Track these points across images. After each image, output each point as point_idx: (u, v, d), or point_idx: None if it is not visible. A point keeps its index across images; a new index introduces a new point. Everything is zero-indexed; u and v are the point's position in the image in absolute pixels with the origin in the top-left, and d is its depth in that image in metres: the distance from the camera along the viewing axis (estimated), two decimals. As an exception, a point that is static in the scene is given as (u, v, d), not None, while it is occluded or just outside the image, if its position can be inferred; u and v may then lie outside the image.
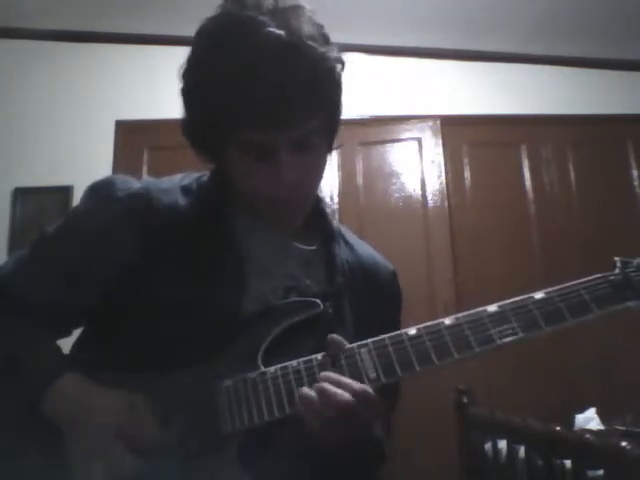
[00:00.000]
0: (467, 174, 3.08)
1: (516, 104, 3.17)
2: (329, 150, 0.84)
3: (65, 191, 2.79)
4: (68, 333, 0.84)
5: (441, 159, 3.04)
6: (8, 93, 2.93)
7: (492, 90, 3.20)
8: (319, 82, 0.73)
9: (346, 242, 0.91)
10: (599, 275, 0.74)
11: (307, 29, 0.72)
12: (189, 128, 0.80)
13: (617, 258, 0.77)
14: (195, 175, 0.87)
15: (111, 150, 2.91)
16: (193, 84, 0.76)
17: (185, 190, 0.83)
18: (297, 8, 0.74)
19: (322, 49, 0.73)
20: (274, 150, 0.73)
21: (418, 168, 3.03)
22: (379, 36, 2.99)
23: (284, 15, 0.72)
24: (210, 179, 0.85)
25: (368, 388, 0.68)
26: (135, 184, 0.82)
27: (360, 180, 2.97)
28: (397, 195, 3.00)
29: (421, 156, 3.05)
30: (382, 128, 3.04)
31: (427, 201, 2.98)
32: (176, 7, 2.77)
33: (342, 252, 0.88)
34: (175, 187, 0.83)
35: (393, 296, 0.94)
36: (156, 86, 2.96)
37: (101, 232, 0.78)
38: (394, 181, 3.01)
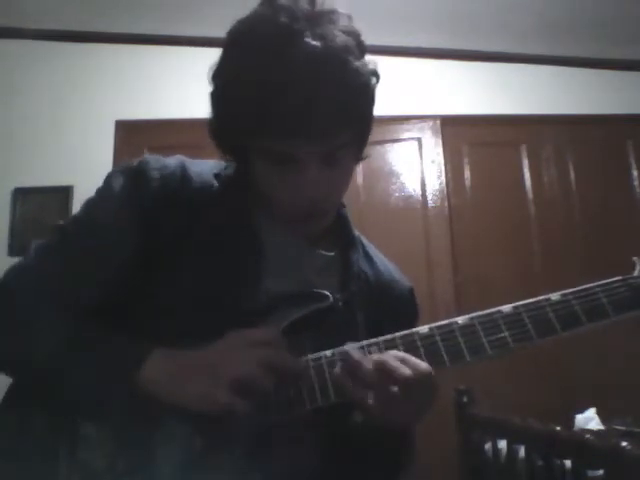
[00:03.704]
0: (467, 174, 3.07)
1: (516, 104, 3.17)
2: (357, 162, 0.82)
3: (65, 191, 2.79)
4: None
5: (441, 159, 3.03)
6: (8, 93, 2.93)
7: (492, 90, 3.20)
8: (352, 98, 0.70)
9: (366, 253, 0.90)
10: (618, 278, 0.72)
11: (343, 40, 0.69)
12: (215, 130, 0.78)
13: (636, 258, 0.73)
14: (221, 165, 0.85)
15: (111, 150, 2.90)
16: (222, 88, 0.74)
17: (216, 178, 0.83)
18: (333, 14, 0.71)
19: (357, 63, 0.70)
20: (299, 162, 0.71)
21: (418, 168, 3.03)
22: (379, 36, 2.97)
23: (320, 22, 0.69)
24: (234, 176, 0.83)
25: (429, 368, 0.67)
26: (169, 164, 0.80)
27: (360, 180, 2.96)
28: (397, 195, 2.99)
29: (421, 156, 3.04)
30: (382, 128, 3.03)
31: (427, 201, 2.98)
32: (177, 7, 2.77)
33: (360, 262, 0.87)
34: (209, 173, 0.82)
35: (409, 313, 0.92)
36: (156, 86, 2.97)
37: (137, 213, 0.76)
38: (394, 181, 3.01)
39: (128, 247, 0.76)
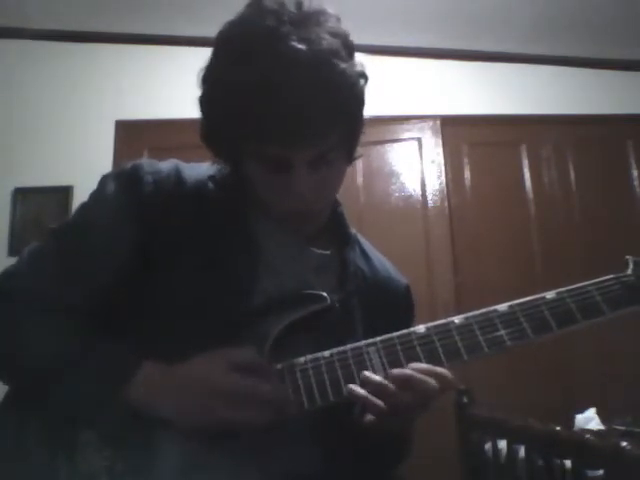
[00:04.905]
0: (467, 174, 3.07)
1: (516, 104, 3.17)
2: (349, 162, 0.82)
3: (65, 191, 2.79)
4: None
5: (441, 159, 3.03)
6: (8, 93, 2.93)
7: (492, 90, 3.20)
8: (339, 101, 0.70)
9: (362, 250, 0.91)
10: (611, 276, 0.73)
11: (329, 42, 0.69)
12: (204, 133, 0.78)
13: (629, 257, 0.74)
14: (217, 167, 0.85)
15: (111, 150, 2.90)
16: (209, 92, 0.74)
17: (212, 180, 0.83)
18: (320, 15, 0.71)
19: (343, 65, 0.70)
20: (290, 165, 0.71)
21: (418, 168, 3.03)
22: (379, 36, 2.98)
23: (307, 25, 0.69)
24: (229, 178, 0.84)
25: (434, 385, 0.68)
26: (163, 168, 0.81)
27: (360, 180, 2.96)
28: (397, 195, 2.99)
29: (421, 156, 3.05)
30: (382, 128, 3.03)
31: (427, 201, 2.98)
32: (176, 7, 2.77)
33: (357, 260, 0.87)
34: (204, 175, 0.83)
35: (405, 311, 0.93)
36: (156, 86, 2.97)
37: (130, 217, 0.77)
38: (394, 181, 3.01)
39: (122, 251, 0.76)
